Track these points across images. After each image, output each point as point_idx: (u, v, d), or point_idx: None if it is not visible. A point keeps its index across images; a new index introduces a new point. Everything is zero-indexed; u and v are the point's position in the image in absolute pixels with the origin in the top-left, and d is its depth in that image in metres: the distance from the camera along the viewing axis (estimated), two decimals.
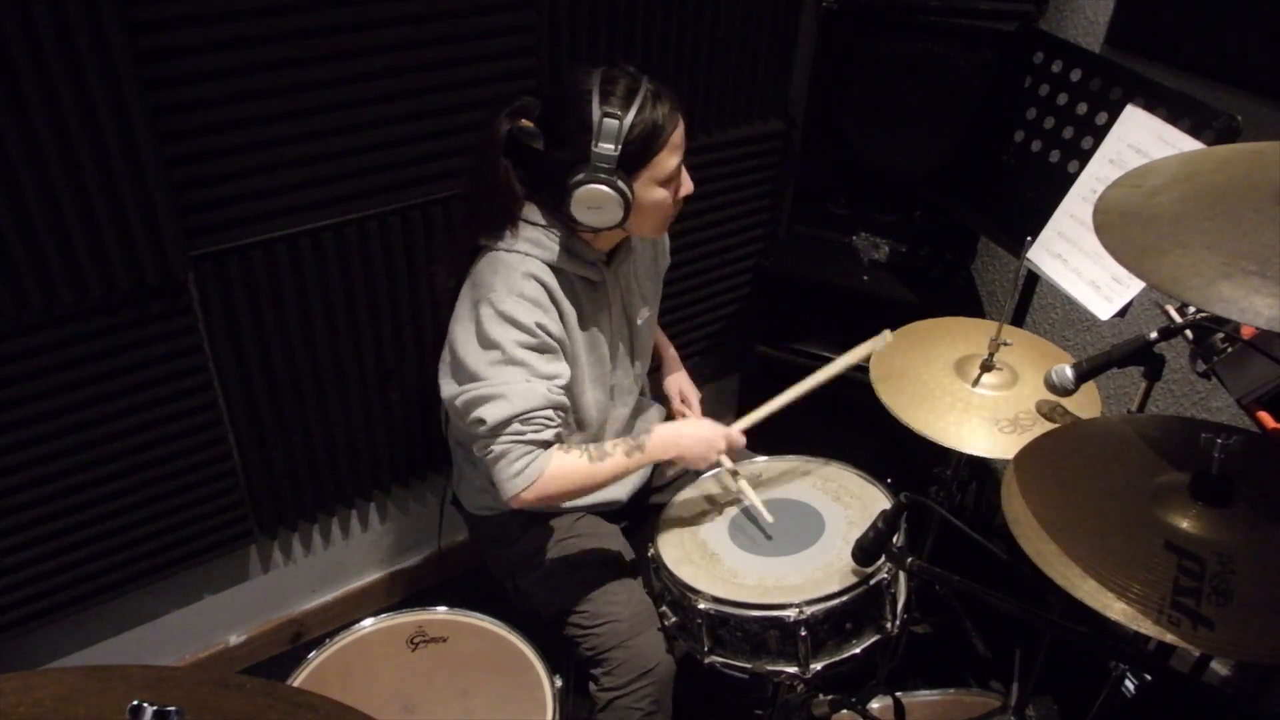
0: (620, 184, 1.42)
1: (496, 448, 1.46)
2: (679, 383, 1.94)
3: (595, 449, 1.53)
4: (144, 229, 1.58)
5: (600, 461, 1.52)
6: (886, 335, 1.70)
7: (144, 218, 1.57)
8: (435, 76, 1.77)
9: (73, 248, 1.54)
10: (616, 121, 1.39)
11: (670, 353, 1.98)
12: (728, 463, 1.69)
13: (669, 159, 1.46)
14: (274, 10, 1.57)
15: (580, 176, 1.41)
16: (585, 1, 1.90)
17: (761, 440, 1.82)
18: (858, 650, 1.49)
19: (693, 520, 1.67)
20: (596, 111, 1.40)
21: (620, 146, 1.40)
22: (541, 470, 1.46)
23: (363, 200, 1.80)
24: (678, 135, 1.46)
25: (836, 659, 1.48)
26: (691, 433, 1.62)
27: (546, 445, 1.48)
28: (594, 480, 1.52)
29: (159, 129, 1.54)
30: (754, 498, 1.65)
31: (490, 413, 1.44)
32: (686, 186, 1.54)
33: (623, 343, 1.68)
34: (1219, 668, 2.06)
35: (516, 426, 1.45)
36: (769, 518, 1.63)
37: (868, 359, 1.68)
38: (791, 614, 1.43)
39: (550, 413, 1.47)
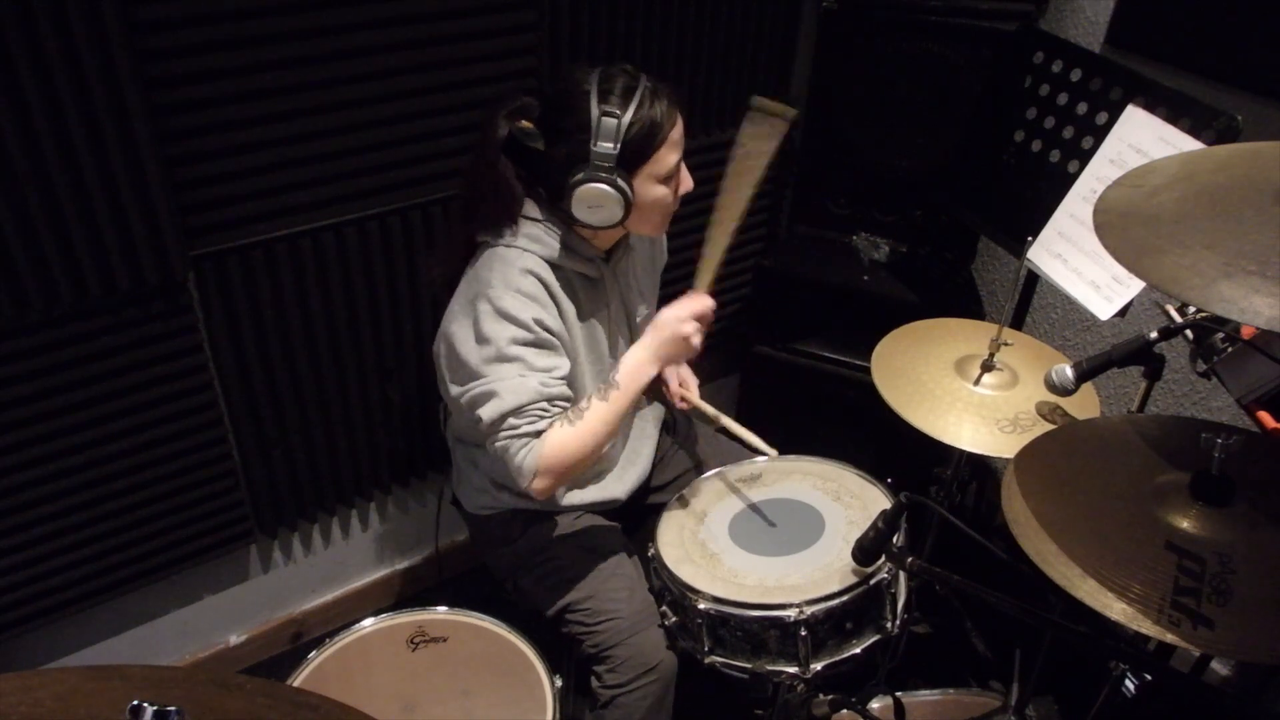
0: (620, 182, 1.42)
1: (497, 445, 1.47)
2: (677, 369, 1.92)
3: (573, 411, 1.50)
4: (144, 229, 1.58)
5: (581, 419, 1.49)
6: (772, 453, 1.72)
7: (144, 218, 1.57)
8: (435, 76, 1.77)
9: (73, 248, 1.54)
10: (615, 120, 1.39)
11: None
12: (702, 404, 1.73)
13: (668, 156, 1.46)
14: (274, 10, 1.57)
15: (580, 176, 1.41)
16: (585, 1, 1.90)
17: (762, 440, 1.82)
18: (858, 650, 1.49)
19: (693, 520, 1.67)
20: (595, 110, 1.40)
21: (619, 145, 1.40)
22: (538, 459, 1.47)
23: (363, 200, 1.80)
24: (676, 132, 1.46)
25: (836, 659, 1.48)
26: (654, 336, 1.52)
27: (541, 435, 1.48)
28: (588, 438, 1.49)
29: (159, 129, 1.54)
30: (737, 427, 1.72)
31: (486, 411, 1.45)
32: (686, 183, 1.54)
33: (622, 339, 1.68)
34: (1219, 668, 2.06)
35: (510, 421, 1.45)
36: (770, 452, 1.71)
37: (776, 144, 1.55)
38: (791, 614, 1.43)
39: (544, 404, 1.47)
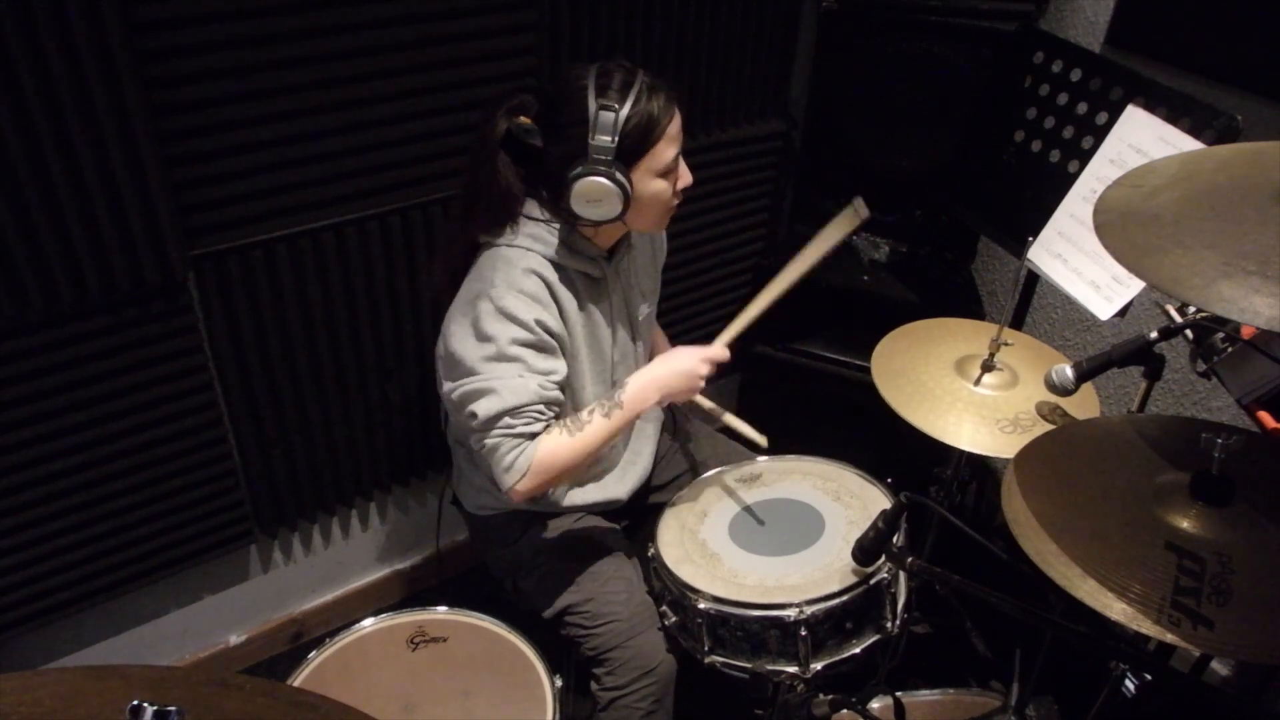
0: (619, 176, 1.42)
1: (488, 442, 1.47)
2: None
3: (573, 420, 1.52)
4: (144, 229, 1.58)
5: (580, 431, 1.51)
6: (858, 203, 1.62)
7: (144, 218, 1.57)
8: (435, 76, 1.77)
9: (73, 248, 1.54)
10: (612, 114, 1.40)
11: (665, 346, 1.98)
12: (701, 399, 1.70)
13: (666, 150, 1.46)
14: (274, 10, 1.57)
15: (578, 170, 1.41)
16: (585, 1, 1.90)
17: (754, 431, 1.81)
18: (858, 650, 1.49)
19: (693, 520, 1.67)
20: (592, 105, 1.40)
21: (617, 139, 1.40)
22: (530, 460, 1.47)
23: (363, 200, 1.80)
24: (674, 126, 1.46)
25: (836, 659, 1.48)
26: (666, 369, 1.57)
27: (535, 437, 1.49)
28: (582, 451, 1.51)
29: (159, 129, 1.54)
30: (737, 424, 1.71)
31: (481, 407, 1.45)
32: (685, 178, 1.54)
33: (624, 338, 1.68)
34: (1219, 668, 2.06)
35: (507, 420, 1.46)
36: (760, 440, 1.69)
37: (846, 235, 1.63)
38: (791, 614, 1.43)
39: (541, 407, 1.48)
